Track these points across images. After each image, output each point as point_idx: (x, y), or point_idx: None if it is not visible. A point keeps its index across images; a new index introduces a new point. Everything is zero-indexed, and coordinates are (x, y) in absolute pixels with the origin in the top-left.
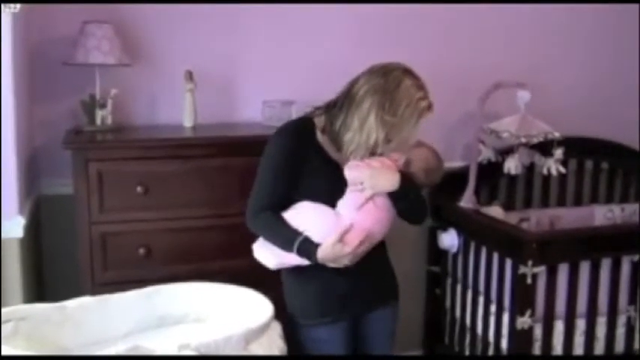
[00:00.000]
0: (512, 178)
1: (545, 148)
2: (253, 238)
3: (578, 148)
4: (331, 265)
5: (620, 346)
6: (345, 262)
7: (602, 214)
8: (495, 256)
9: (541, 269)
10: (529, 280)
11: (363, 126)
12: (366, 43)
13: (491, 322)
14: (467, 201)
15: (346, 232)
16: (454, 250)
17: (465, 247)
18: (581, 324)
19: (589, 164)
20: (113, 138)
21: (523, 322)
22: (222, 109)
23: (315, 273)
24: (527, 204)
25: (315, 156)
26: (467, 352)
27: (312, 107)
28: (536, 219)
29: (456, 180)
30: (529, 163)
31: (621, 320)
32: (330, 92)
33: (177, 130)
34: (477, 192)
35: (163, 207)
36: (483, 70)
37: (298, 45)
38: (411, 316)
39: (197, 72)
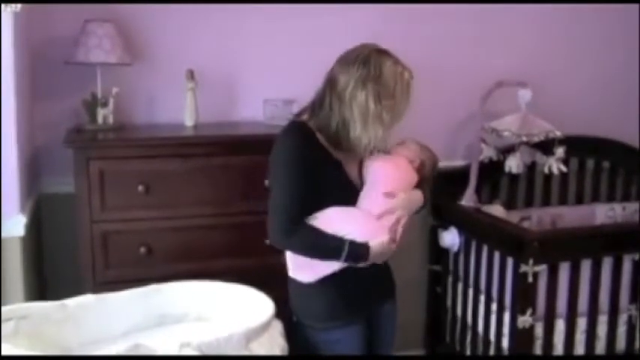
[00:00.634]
0: (513, 177)
1: (546, 146)
2: (255, 237)
3: (579, 146)
4: (377, 261)
5: (621, 345)
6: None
7: (604, 213)
8: (496, 255)
9: (542, 268)
10: (530, 279)
11: (367, 119)
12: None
13: (493, 321)
14: (468, 200)
15: (394, 228)
16: (455, 248)
17: (466, 246)
18: (582, 323)
19: (590, 163)
20: (114, 137)
21: (524, 320)
22: (224, 107)
23: (332, 276)
24: (529, 203)
25: (321, 157)
26: (468, 351)
27: (296, 113)
28: (538, 218)
29: (457, 179)
30: (530, 162)
31: (622, 319)
32: None
33: (178, 129)
34: (478, 191)
35: (164, 206)
36: (485, 69)
37: (299, 44)
38: (412, 314)
39: (198, 71)
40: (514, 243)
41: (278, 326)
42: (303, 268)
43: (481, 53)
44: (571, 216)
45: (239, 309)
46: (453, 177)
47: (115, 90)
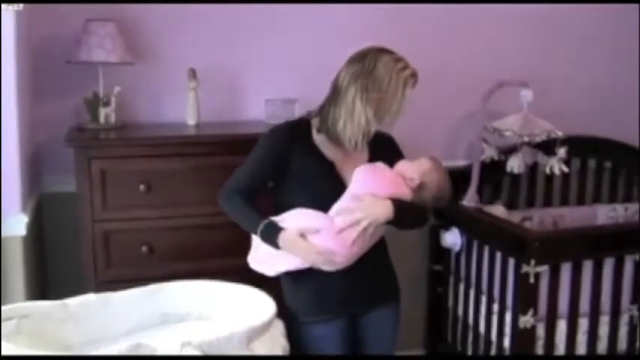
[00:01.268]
0: (515, 177)
1: (548, 147)
2: None
3: (581, 147)
4: (324, 268)
5: (622, 346)
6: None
7: (605, 214)
8: (498, 255)
9: (544, 268)
10: (532, 279)
11: (352, 112)
12: (369, 42)
13: (494, 321)
14: (470, 200)
15: (313, 231)
16: (457, 248)
17: (467, 246)
18: (583, 323)
19: (592, 163)
20: (116, 136)
21: (525, 321)
22: (225, 107)
23: (312, 271)
24: (530, 203)
25: (309, 154)
26: (469, 352)
27: (307, 111)
28: (539, 218)
29: (458, 179)
30: (532, 162)
31: (624, 319)
32: None
33: (180, 128)
34: (479, 191)
35: (166, 205)
36: (486, 69)
37: (301, 43)
38: (413, 314)
39: (200, 70)
40: (515, 243)
41: (279, 326)
42: (261, 262)
43: (483, 53)
44: (573, 216)
45: (240, 308)
46: (455, 177)
47: (116, 89)
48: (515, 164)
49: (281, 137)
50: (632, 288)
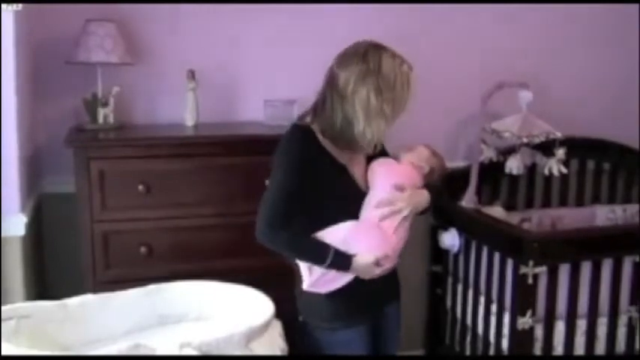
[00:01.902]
0: (513, 178)
1: (547, 148)
2: (254, 238)
3: (580, 148)
4: (365, 277)
5: (621, 347)
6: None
7: (604, 215)
8: (496, 256)
9: (542, 269)
10: (530, 280)
11: (369, 113)
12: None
13: (492, 322)
14: (468, 201)
15: (385, 257)
16: (455, 249)
17: (466, 247)
18: (582, 324)
19: (591, 164)
20: (115, 136)
21: (524, 322)
22: (224, 108)
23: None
24: (529, 204)
25: (324, 161)
26: (467, 352)
27: (298, 115)
28: (538, 219)
29: (457, 180)
30: (531, 163)
31: (622, 321)
32: None
33: (179, 129)
34: (478, 192)
35: (165, 206)
36: (485, 70)
37: (300, 44)
38: (412, 315)
39: (199, 71)
40: (514, 244)
41: (278, 326)
42: (320, 284)
43: (482, 54)
44: (571, 217)
45: (239, 309)
46: (454, 178)
47: (115, 90)
48: (514, 165)
49: (301, 139)
50: (631, 289)
